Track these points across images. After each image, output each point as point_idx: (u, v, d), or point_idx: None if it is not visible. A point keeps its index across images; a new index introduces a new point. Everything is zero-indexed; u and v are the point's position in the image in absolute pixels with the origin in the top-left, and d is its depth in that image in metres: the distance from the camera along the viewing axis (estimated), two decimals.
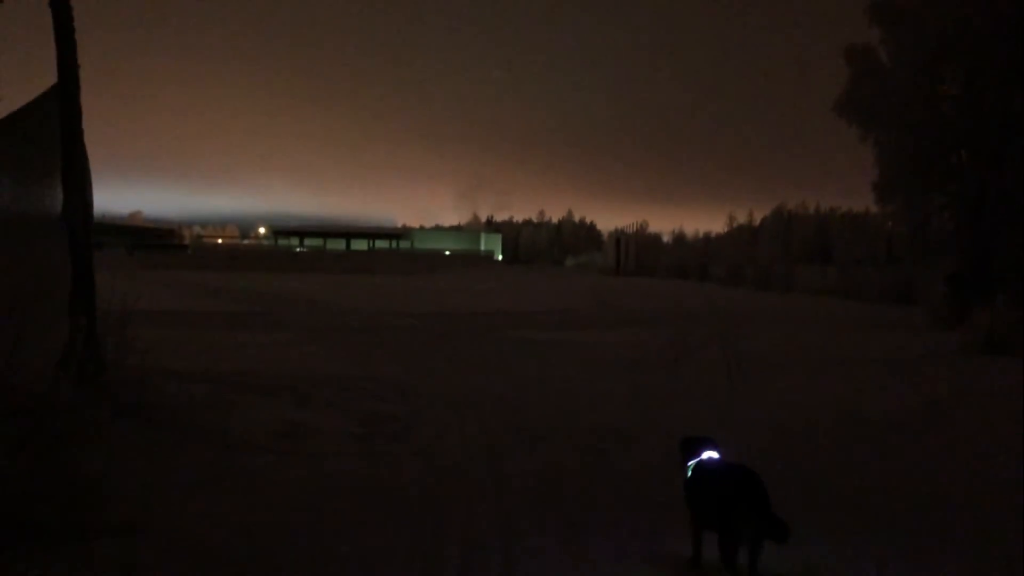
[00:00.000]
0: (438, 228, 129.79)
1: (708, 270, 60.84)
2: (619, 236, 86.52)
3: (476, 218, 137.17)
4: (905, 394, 10.05)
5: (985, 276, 18.82)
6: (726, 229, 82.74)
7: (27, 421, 4.67)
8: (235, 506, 5.02)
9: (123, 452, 5.94)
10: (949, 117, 20.39)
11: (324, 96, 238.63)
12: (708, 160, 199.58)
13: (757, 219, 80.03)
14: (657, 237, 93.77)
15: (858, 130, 22.58)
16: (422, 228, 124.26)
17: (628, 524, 4.89)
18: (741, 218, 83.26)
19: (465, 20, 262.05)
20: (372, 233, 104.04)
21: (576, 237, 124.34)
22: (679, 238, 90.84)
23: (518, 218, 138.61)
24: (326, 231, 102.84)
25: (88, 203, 7.49)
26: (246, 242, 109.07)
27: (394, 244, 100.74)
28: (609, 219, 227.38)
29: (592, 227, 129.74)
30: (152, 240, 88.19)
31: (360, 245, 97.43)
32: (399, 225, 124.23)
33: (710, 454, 4.29)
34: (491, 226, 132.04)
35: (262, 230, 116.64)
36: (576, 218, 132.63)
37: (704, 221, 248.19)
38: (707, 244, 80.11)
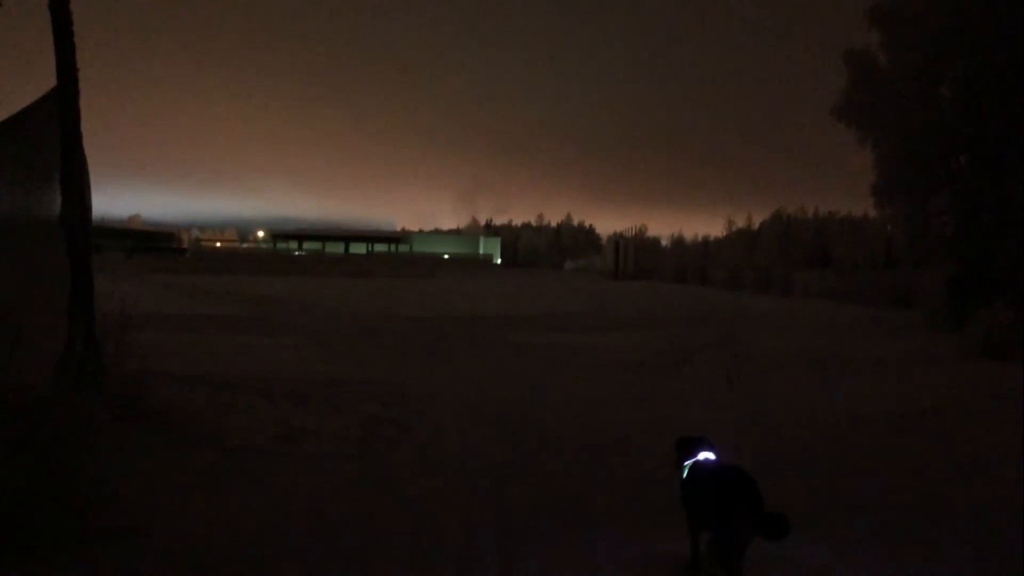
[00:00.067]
0: (437, 231, 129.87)
1: (707, 274, 60.88)
2: (618, 240, 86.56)
3: (475, 221, 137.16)
4: (904, 397, 10.05)
5: (984, 280, 18.83)
6: (725, 233, 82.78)
7: (26, 424, 4.66)
8: (234, 509, 5.01)
9: (122, 455, 5.93)
10: (948, 121, 20.41)
11: (323, 99, 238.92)
12: (707, 164, 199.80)
13: (756, 223, 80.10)
14: (656, 241, 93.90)
15: (857, 134, 22.60)
16: (421, 231, 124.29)
17: (627, 526, 4.89)
18: (740, 222, 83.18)
19: (465, 23, 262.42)
20: (371, 236, 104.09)
21: (575, 241, 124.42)
22: (678, 242, 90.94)
23: (517, 221, 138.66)
24: (325, 234, 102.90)
25: (87, 206, 7.48)
26: (245, 245, 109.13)
27: (393, 247, 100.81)
28: (608, 223, 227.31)
29: (591, 231, 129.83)
30: (151, 243, 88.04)
31: (359, 249, 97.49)
32: (398, 228, 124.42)
33: (706, 455, 4.28)
34: (490, 229, 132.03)
35: (261, 233, 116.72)
36: (575, 222, 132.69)
37: (703, 225, 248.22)
38: (706, 248, 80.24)
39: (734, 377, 11.44)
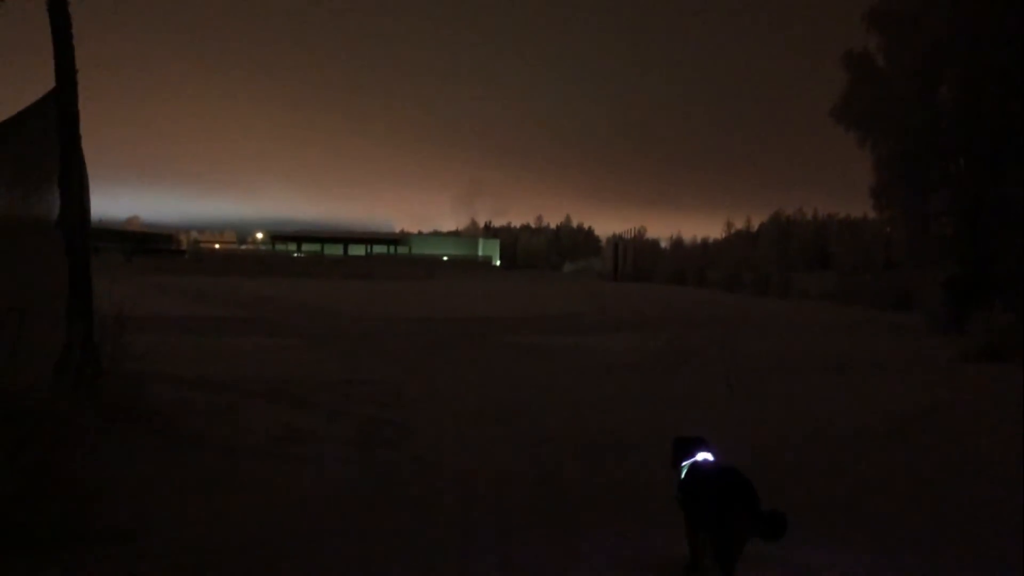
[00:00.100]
0: (436, 233, 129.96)
1: (706, 275, 60.90)
2: (617, 241, 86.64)
3: (474, 223, 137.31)
4: (903, 399, 10.04)
5: (983, 282, 18.83)
6: (724, 235, 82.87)
7: (24, 425, 4.65)
8: (233, 510, 5.00)
9: (120, 457, 5.92)
10: (947, 123, 20.42)
11: (322, 101, 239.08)
12: (706, 166, 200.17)
13: (755, 225, 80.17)
14: (655, 243, 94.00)
15: (856, 136, 22.61)
16: (420, 233, 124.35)
17: (625, 528, 4.88)
18: (739, 224, 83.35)
19: (464, 26, 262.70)
20: (370, 238, 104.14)
21: (574, 242, 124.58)
22: (677, 244, 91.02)
23: (516, 223, 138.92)
24: (324, 236, 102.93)
25: (85, 208, 7.47)
26: (244, 247, 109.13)
27: (392, 249, 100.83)
28: (607, 224, 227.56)
29: (590, 232, 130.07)
30: (149, 245, 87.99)
31: (358, 250, 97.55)
32: (397, 230, 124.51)
33: (704, 455, 4.27)
34: (489, 231, 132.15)
35: (260, 235, 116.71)
36: (574, 223, 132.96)
37: (702, 227, 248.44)
38: (705, 250, 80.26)
39: (733, 380, 11.44)
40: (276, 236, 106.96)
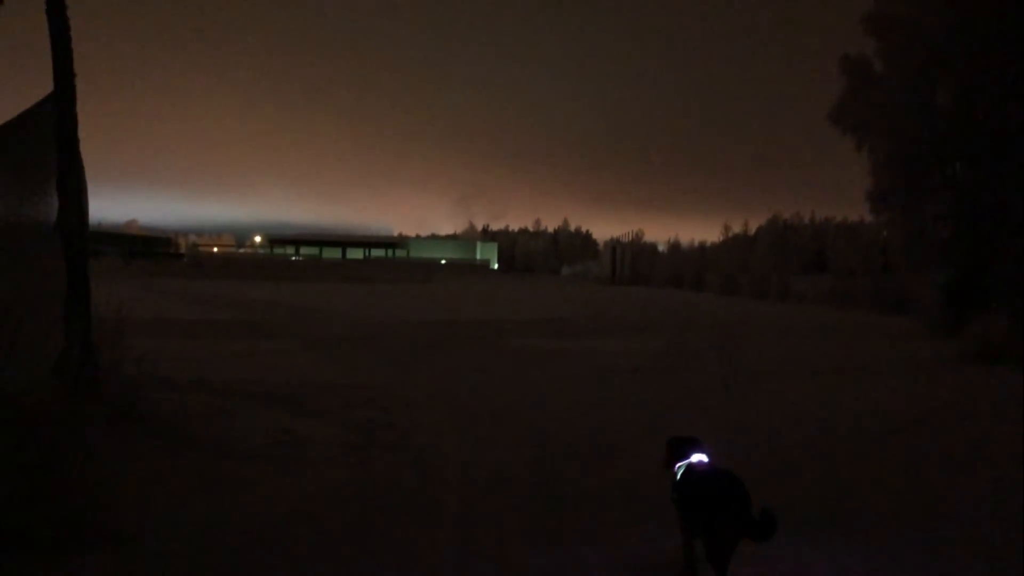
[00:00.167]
0: (434, 237, 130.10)
1: (704, 279, 60.98)
2: (615, 245, 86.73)
3: (472, 227, 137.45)
4: (900, 401, 10.07)
5: (980, 285, 18.86)
6: (721, 238, 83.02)
7: (22, 428, 4.66)
8: (230, 514, 5.00)
9: (117, 460, 5.92)
10: (943, 127, 20.47)
11: (321, 105, 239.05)
12: (704, 170, 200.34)
13: (752, 228, 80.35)
14: (653, 246, 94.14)
15: (853, 140, 22.67)
16: (418, 237, 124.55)
17: (623, 530, 4.90)
18: (736, 227, 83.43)
19: (462, 29, 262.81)
20: (368, 242, 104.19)
21: (572, 246, 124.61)
22: (675, 247, 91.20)
23: (514, 227, 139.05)
24: (322, 240, 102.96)
25: (84, 211, 7.48)
26: (242, 251, 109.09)
27: (390, 253, 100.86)
28: (605, 228, 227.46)
29: (588, 236, 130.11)
30: (148, 248, 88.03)
31: (356, 254, 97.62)
32: (395, 234, 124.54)
33: (700, 457, 4.28)
34: (487, 235, 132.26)
35: (258, 239, 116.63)
36: (572, 227, 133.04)
37: (700, 230, 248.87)
38: (702, 253, 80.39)
39: (731, 383, 11.46)
40: (274, 240, 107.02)
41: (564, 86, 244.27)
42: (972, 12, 18.92)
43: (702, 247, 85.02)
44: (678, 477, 4.24)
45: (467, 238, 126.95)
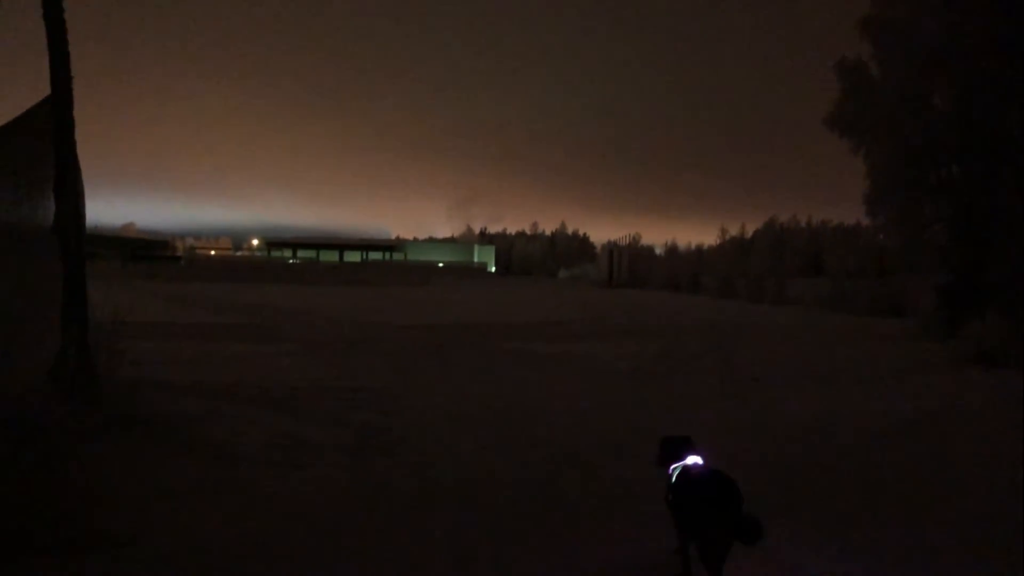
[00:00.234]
0: (432, 240, 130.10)
1: (700, 282, 60.94)
2: (612, 248, 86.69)
3: (470, 230, 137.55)
4: (897, 404, 10.09)
5: (976, 288, 18.90)
6: (718, 241, 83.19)
7: (19, 431, 4.66)
8: (227, 517, 5.00)
9: (114, 463, 5.93)
10: (939, 130, 20.51)
11: (318, 108, 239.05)
12: (701, 173, 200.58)
13: (749, 232, 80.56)
14: (650, 249, 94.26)
15: (849, 143, 22.71)
16: (416, 240, 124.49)
17: (620, 533, 4.90)
18: (733, 230, 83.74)
19: (460, 32, 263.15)
20: (365, 245, 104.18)
21: (569, 249, 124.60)
22: (672, 250, 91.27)
23: (511, 230, 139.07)
24: (319, 243, 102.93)
25: (81, 214, 7.49)
26: (239, 254, 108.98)
27: (387, 256, 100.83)
28: (602, 231, 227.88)
29: (585, 239, 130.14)
30: (145, 251, 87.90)
31: (353, 257, 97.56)
32: (393, 237, 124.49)
33: (694, 459, 4.30)
34: (484, 238, 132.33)
35: (255, 242, 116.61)
36: (569, 230, 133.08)
37: (696, 233, 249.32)
38: (699, 256, 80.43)
39: (727, 385, 11.48)
40: (272, 242, 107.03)
41: (562, 89, 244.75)
42: (968, 15, 18.98)
43: (699, 250, 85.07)
44: (673, 479, 4.25)
45: (465, 241, 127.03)
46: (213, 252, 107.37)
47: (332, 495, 5.61)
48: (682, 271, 68.74)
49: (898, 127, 20.75)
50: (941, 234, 21.38)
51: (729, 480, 3.91)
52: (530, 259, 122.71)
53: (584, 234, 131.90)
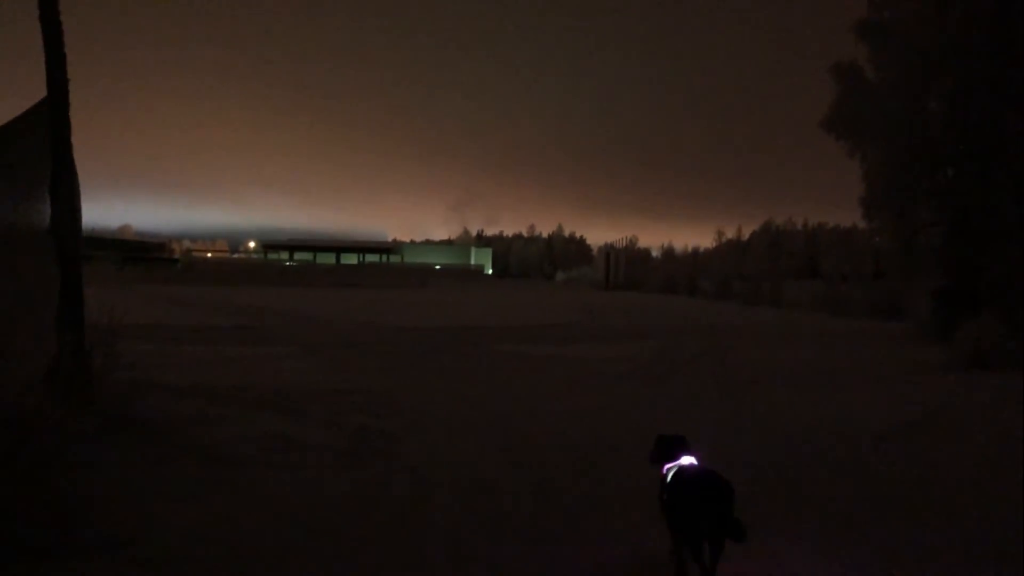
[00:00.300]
0: (428, 242, 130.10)
1: (697, 285, 61.06)
2: (609, 251, 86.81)
3: (466, 232, 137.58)
4: (893, 406, 10.11)
5: (971, 291, 18.96)
6: (715, 244, 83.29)
7: (14, 433, 4.66)
8: (222, 520, 5.00)
9: (109, 466, 5.92)
10: (935, 133, 20.58)
11: (315, 110, 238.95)
12: (698, 175, 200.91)
13: (746, 234, 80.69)
14: (647, 252, 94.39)
15: (846, 146, 22.77)
16: (412, 242, 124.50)
17: (616, 535, 4.91)
18: (730, 233, 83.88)
19: (457, 35, 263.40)
20: (362, 247, 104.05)
21: (566, 252, 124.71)
22: (668, 253, 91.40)
23: (508, 232, 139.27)
24: (316, 245, 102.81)
25: (77, 216, 7.49)
26: (236, 256, 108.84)
27: (384, 258, 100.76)
28: (599, 234, 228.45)
29: (582, 242, 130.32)
30: (141, 254, 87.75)
31: (350, 259, 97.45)
32: (389, 239, 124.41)
33: (689, 459, 4.32)
34: (481, 240, 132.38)
35: (252, 244, 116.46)
36: (566, 233, 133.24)
37: (693, 236, 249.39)
38: (696, 259, 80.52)
39: (724, 388, 11.49)
40: (268, 245, 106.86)
41: (559, 92, 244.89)
42: (964, 19, 19.06)
43: (695, 253, 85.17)
44: (668, 479, 4.27)
45: (462, 243, 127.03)
46: (210, 254, 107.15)
47: (329, 497, 5.61)
48: (679, 273, 68.90)
49: (894, 130, 20.82)
50: (937, 237, 21.44)
51: (723, 480, 3.93)
52: (527, 261, 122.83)
53: (581, 236, 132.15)
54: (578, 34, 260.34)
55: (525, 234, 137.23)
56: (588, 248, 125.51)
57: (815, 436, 8.27)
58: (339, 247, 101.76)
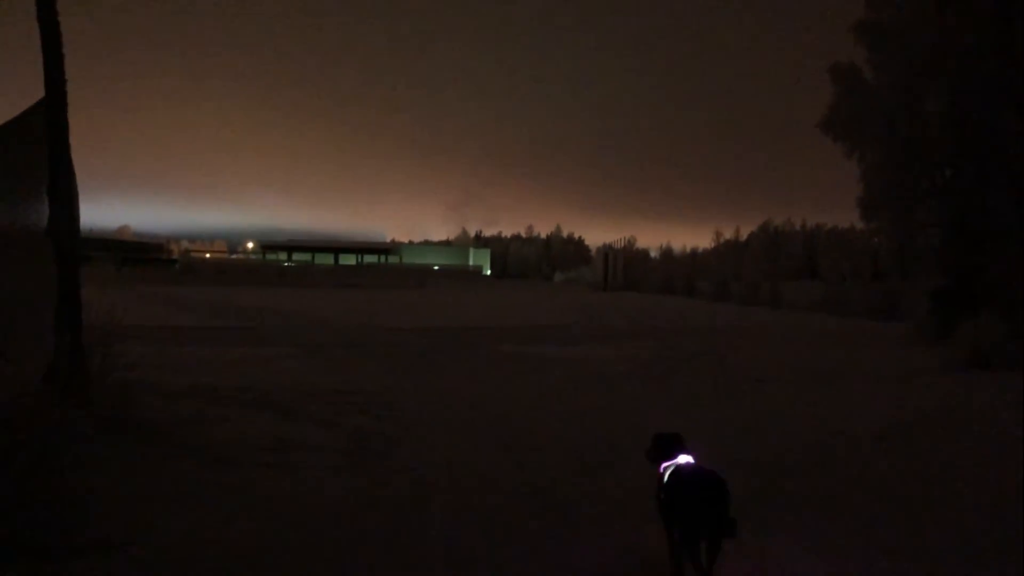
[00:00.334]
0: (427, 243, 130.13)
1: (695, 285, 61.09)
2: (607, 251, 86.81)
3: (465, 233, 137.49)
4: (892, 407, 10.11)
5: (969, 292, 18.96)
6: (713, 245, 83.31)
7: (11, 434, 4.65)
8: (220, 521, 4.99)
9: (107, 467, 5.91)
10: (933, 134, 20.59)
11: (313, 111, 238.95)
12: (696, 176, 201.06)
13: (744, 235, 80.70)
14: (645, 252, 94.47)
15: (843, 147, 22.77)
16: (411, 243, 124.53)
17: (615, 536, 4.90)
18: (728, 234, 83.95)
19: (454, 36, 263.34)
20: (361, 248, 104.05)
21: (565, 252, 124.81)
22: (667, 253, 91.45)
23: (507, 233, 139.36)
24: (314, 246, 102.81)
25: (75, 217, 7.47)
26: (234, 257, 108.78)
27: (383, 259, 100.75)
28: (597, 235, 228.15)
29: (580, 242, 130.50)
30: (140, 255, 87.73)
31: (348, 260, 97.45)
32: (388, 240, 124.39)
33: (686, 458, 4.33)
34: (480, 241, 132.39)
35: (250, 245, 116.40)
36: (565, 233, 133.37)
37: (691, 236, 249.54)
38: (694, 259, 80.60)
39: (722, 388, 11.49)
40: (267, 245, 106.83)
41: (558, 93, 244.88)
42: (962, 19, 19.07)
43: (694, 253, 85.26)
44: (665, 478, 4.27)
45: (460, 244, 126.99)
46: (208, 255, 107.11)
47: (327, 498, 5.60)
48: (677, 274, 68.96)
49: (891, 130, 20.82)
50: (935, 237, 21.45)
51: (720, 480, 3.93)
52: (525, 262, 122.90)
53: (579, 237, 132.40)
54: (577, 35, 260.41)
55: (523, 235, 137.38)
56: (586, 249, 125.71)
57: (814, 436, 8.28)
58: (337, 248, 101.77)
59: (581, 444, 7.65)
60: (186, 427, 7.64)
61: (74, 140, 7.36)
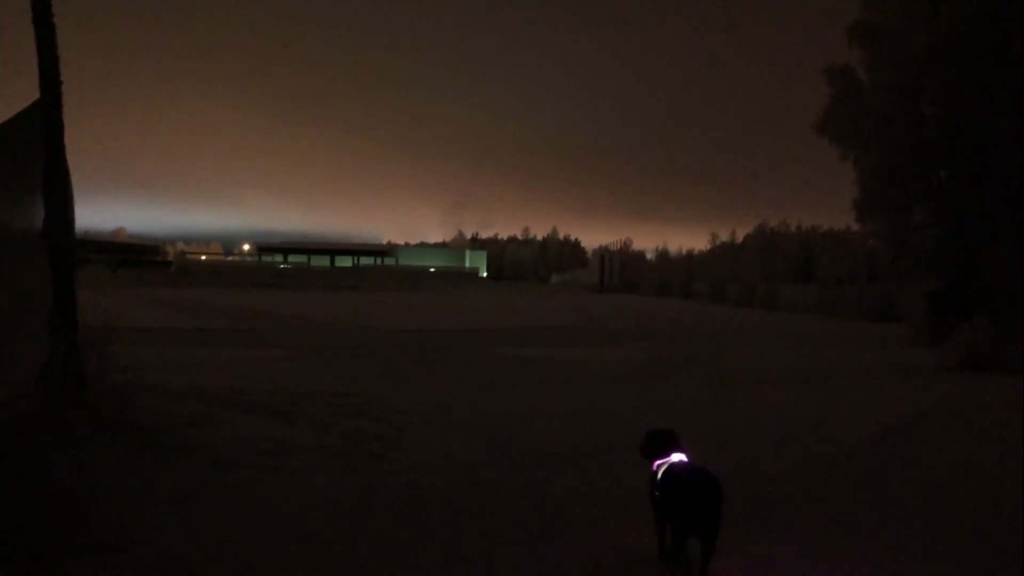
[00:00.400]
0: (423, 245, 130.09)
1: (691, 287, 61.16)
2: (603, 253, 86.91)
3: (461, 235, 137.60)
4: (889, 408, 10.13)
5: (965, 294, 19.02)
6: (709, 246, 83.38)
7: (6, 437, 4.63)
8: (217, 523, 4.98)
9: (104, 469, 5.89)
10: (929, 136, 20.66)
11: (310, 113, 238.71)
12: (691, 178, 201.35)
13: (740, 237, 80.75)
14: (641, 254, 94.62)
15: (839, 149, 22.84)
16: (407, 245, 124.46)
17: (611, 537, 4.90)
18: (724, 235, 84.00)
19: (451, 38, 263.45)
20: (357, 250, 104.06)
21: (561, 254, 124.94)
22: (663, 255, 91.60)
23: (503, 235, 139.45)
24: (310, 248, 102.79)
25: (70, 219, 7.45)
26: (230, 259, 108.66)
27: (379, 261, 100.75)
28: (594, 236, 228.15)
29: (577, 244, 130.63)
30: (136, 257, 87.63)
31: (345, 262, 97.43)
32: (384, 242, 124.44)
33: (679, 456, 4.33)
34: (476, 243, 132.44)
35: (246, 247, 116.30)
36: (561, 235, 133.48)
37: (687, 238, 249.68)
38: (690, 261, 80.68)
39: (719, 390, 11.49)
40: (263, 247, 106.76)
41: (553, 95, 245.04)
42: (956, 22, 19.13)
43: (690, 255, 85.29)
44: (659, 476, 4.28)
45: (456, 246, 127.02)
46: (204, 257, 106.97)
47: (323, 500, 5.59)
48: (673, 276, 69.04)
49: (887, 132, 20.88)
50: (931, 239, 21.51)
51: (714, 478, 3.94)
52: (522, 264, 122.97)
53: (576, 239, 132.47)
54: (572, 38, 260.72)
55: (520, 237, 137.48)
56: (583, 251, 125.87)
57: (810, 436, 8.29)
58: (334, 250, 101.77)
59: (577, 445, 7.64)
60: (183, 429, 7.62)
61: (69, 142, 7.34)
